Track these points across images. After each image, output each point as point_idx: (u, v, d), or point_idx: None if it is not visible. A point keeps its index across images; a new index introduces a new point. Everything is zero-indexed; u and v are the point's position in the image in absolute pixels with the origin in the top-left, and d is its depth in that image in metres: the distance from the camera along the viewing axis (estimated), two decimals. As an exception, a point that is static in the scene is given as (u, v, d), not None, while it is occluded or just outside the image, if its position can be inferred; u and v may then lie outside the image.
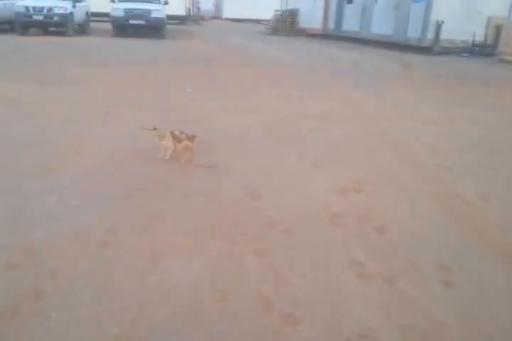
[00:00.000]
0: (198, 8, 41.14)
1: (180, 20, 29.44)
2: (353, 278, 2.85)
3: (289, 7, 28.58)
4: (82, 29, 20.49)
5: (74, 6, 18.77)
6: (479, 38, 17.98)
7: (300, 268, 2.94)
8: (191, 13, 34.69)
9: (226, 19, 43.14)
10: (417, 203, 4.06)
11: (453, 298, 2.70)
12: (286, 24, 27.97)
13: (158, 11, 19.60)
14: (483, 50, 17.85)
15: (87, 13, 21.01)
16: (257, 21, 37.34)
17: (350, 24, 22.93)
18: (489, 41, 18.05)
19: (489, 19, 17.77)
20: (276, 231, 3.40)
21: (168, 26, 21.65)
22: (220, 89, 9.02)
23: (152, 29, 19.87)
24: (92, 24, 21.99)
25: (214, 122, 6.33)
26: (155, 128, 5.80)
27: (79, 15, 19.62)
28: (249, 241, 3.22)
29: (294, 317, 2.47)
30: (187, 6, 31.11)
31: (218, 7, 46.96)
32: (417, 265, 3.03)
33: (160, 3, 20.67)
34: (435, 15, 17.11)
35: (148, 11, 19.32)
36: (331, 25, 25.02)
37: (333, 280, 2.83)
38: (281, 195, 4.08)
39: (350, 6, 23.16)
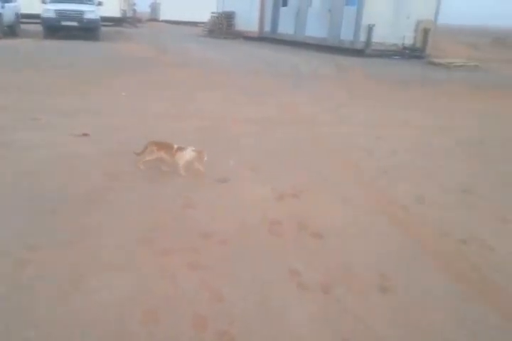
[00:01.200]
0: (134, 10, 40.54)
1: (115, 22, 28.89)
2: (292, 290, 2.78)
3: (226, 9, 28.62)
4: (12, 31, 19.62)
5: (3, 7, 18.00)
6: (409, 41, 18.81)
7: (237, 281, 2.84)
8: (127, 15, 34.13)
9: (163, 21, 42.70)
10: (354, 208, 4.05)
11: (391, 306, 2.68)
12: (223, 26, 27.96)
13: (91, 12, 19.10)
14: (412, 53, 18.72)
15: (16, 14, 20.22)
16: (195, 24, 37.23)
17: (286, 27, 23.17)
18: (418, 44, 18.91)
19: (417, 23, 18.57)
20: (212, 242, 3.29)
21: (104, 28, 21.13)
22: (157, 93, 8.86)
23: (86, 31, 19.28)
24: (22, 26, 21.21)
25: (149, 128, 6.12)
26: (85, 134, 5.71)
27: (8, 16, 18.83)
28: (183, 254, 3.09)
29: (229, 335, 2.37)
30: (122, 7, 30.56)
31: (155, 9, 46.40)
32: (355, 272, 3.01)
33: (93, 4, 20.06)
34: (367, 19, 17.73)
35: (81, 12, 18.79)
36: (267, 28, 25.19)
37: (271, 292, 2.75)
38: (216, 203, 3.97)
39: (285, 9, 23.39)
